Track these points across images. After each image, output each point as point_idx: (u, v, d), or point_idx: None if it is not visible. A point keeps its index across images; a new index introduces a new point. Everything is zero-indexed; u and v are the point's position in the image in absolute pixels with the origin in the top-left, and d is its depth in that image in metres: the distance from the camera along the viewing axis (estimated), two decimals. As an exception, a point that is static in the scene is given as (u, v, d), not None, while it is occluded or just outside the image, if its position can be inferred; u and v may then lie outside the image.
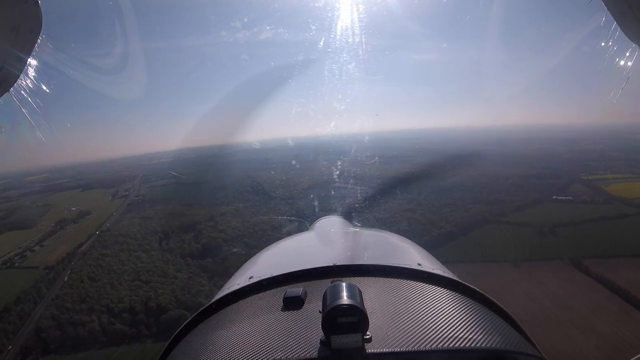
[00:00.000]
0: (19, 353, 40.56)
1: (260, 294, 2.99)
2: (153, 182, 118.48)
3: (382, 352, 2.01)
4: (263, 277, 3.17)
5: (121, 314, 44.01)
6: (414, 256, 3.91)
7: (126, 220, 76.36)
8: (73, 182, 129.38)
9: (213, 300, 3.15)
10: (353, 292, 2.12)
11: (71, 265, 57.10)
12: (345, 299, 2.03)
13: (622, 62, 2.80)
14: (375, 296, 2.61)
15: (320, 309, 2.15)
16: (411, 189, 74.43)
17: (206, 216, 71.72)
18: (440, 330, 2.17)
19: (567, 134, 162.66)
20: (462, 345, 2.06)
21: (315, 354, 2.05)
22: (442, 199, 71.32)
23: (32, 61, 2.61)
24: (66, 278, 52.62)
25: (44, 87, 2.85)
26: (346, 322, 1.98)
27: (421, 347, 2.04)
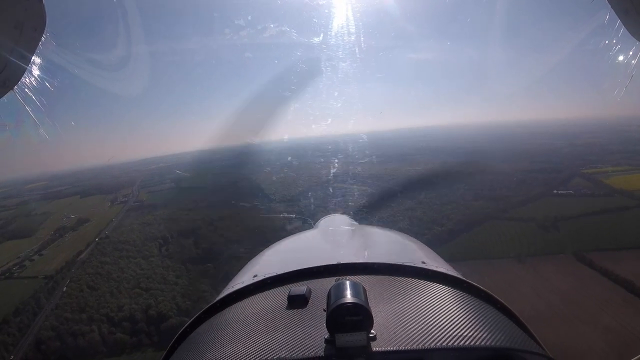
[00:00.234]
0: (19, 366, 40.14)
1: (265, 293, 3.01)
2: (152, 187, 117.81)
3: (386, 350, 2.02)
4: (267, 276, 3.20)
5: (121, 323, 43.45)
6: (418, 254, 3.92)
7: (125, 227, 75.64)
8: (72, 189, 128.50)
9: (217, 298, 3.19)
10: (357, 290, 2.12)
11: (70, 274, 56.50)
12: (349, 297, 2.04)
13: (625, 60, 2.84)
14: (380, 294, 2.62)
15: (325, 307, 2.16)
16: (412, 187, 74.13)
17: (206, 220, 71.10)
18: (445, 328, 2.16)
19: (566, 129, 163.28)
20: (466, 343, 2.05)
21: (320, 353, 2.06)
22: (443, 196, 71.01)
23: (36, 59, 2.63)
24: (65, 288, 51.98)
25: (48, 85, 2.87)
26: (351, 320, 1.98)
27: (426, 345, 2.03)
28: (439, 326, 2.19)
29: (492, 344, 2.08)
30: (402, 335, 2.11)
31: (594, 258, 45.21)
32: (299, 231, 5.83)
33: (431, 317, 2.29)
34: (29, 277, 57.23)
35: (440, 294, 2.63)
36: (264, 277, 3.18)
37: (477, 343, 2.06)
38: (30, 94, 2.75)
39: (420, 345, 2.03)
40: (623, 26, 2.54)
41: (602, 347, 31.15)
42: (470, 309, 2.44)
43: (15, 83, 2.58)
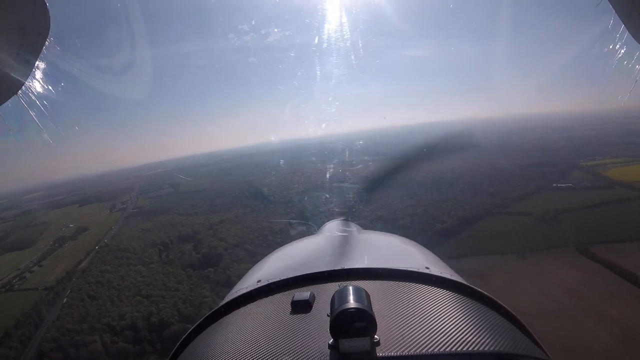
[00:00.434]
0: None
1: (268, 298, 2.98)
2: (151, 192, 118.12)
3: (390, 356, 2.00)
4: (271, 281, 3.16)
5: (123, 332, 43.24)
6: (421, 259, 3.83)
7: (125, 234, 75.34)
8: (70, 198, 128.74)
9: (221, 303, 3.14)
10: (361, 295, 2.11)
11: (71, 284, 56.20)
12: (353, 302, 2.02)
13: (629, 64, 2.82)
14: (383, 299, 2.58)
15: (329, 312, 2.14)
16: (411, 185, 74.09)
17: (205, 224, 70.87)
18: (448, 333, 2.13)
19: (563, 122, 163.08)
20: (470, 348, 2.02)
21: (324, 358, 2.04)
22: (442, 193, 70.97)
23: (39, 63, 2.63)
24: (65, 300, 51.68)
25: (52, 90, 2.91)
26: (354, 325, 1.96)
27: (429, 350, 2.00)
28: (443, 331, 2.16)
29: (496, 349, 2.05)
30: (405, 341, 2.09)
31: (597, 251, 45.11)
32: (303, 236, 5.74)
33: (435, 322, 2.26)
34: (30, 288, 57.01)
35: (444, 299, 2.60)
36: (267, 283, 3.16)
37: (480, 349, 2.03)
38: (34, 98, 2.77)
39: (424, 351, 2.00)
40: (627, 31, 2.54)
41: (609, 342, 30.90)
42: (474, 315, 2.41)
43: (20, 87, 2.60)
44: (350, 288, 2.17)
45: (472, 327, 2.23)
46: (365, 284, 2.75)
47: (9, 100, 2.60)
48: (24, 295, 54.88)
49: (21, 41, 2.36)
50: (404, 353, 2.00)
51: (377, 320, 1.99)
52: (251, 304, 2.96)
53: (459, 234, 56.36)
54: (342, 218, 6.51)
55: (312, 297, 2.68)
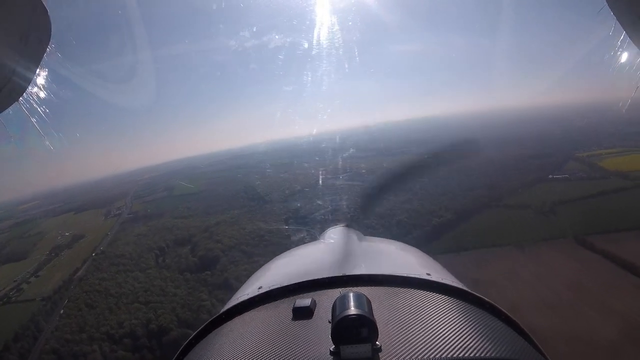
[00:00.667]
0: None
1: (270, 304, 3.00)
2: (146, 197, 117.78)
3: None
4: (272, 287, 3.18)
5: (122, 340, 42.82)
6: (422, 266, 3.82)
7: (121, 240, 74.93)
8: (66, 206, 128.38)
9: (222, 310, 3.15)
10: (362, 302, 2.12)
11: (68, 293, 55.75)
12: (354, 309, 2.03)
13: (630, 71, 2.83)
14: (385, 306, 2.59)
15: (330, 319, 2.15)
16: (406, 180, 73.91)
17: (201, 227, 70.68)
18: (450, 340, 2.14)
19: (557, 113, 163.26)
20: (471, 355, 2.03)
21: None
22: (438, 187, 70.78)
23: (40, 70, 2.64)
24: (62, 311, 51.21)
25: (53, 96, 2.92)
26: (356, 332, 1.97)
27: (430, 356, 2.01)
28: (444, 338, 2.15)
29: (497, 355, 2.05)
30: (406, 347, 2.09)
31: (595, 241, 45.17)
32: (304, 243, 5.86)
33: (436, 328, 2.25)
34: (27, 300, 56.45)
35: (445, 305, 2.60)
36: (269, 289, 3.18)
37: (481, 355, 2.03)
38: (35, 105, 2.78)
39: (425, 357, 2.00)
40: (628, 38, 2.54)
41: (614, 336, 30.70)
42: (475, 321, 2.40)
43: (21, 94, 2.61)
44: (352, 294, 2.19)
45: (473, 333, 2.22)
46: (367, 291, 2.73)
47: (10, 107, 2.60)
48: (22, 307, 54.32)
49: (22, 48, 2.37)
50: (405, 359, 2.00)
51: (378, 327, 2.00)
52: (252, 310, 2.99)
53: (456, 228, 56.24)
54: (343, 224, 6.48)
55: (314, 303, 2.68)
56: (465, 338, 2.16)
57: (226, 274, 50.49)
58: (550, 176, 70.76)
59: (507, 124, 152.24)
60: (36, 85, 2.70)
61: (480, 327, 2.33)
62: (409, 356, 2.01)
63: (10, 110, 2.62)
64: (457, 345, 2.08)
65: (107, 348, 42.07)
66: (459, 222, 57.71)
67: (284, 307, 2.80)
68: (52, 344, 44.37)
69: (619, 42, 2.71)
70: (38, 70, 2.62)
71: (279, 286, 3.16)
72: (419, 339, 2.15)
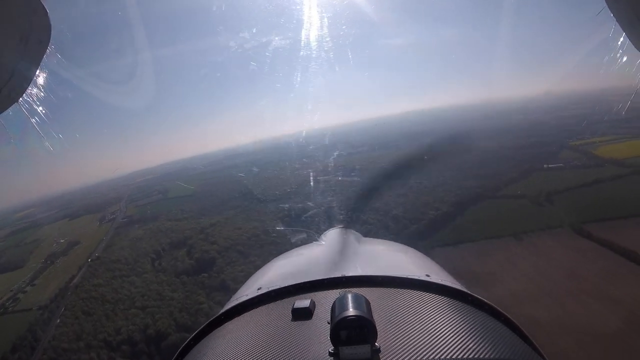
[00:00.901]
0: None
1: (269, 305, 2.99)
2: (140, 200, 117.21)
3: None
4: (271, 288, 3.17)
5: (120, 347, 42.43)
6: (422, 267, 3.82)
7: (116, 245, 74.49)
8: (61, 212, 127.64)
9: (221, 311, 3.14)
10: (361, 303, 2.13)
11: (64, 301, 55.26)
12: (353, 310, 2.04)
13: (630, 72, 2.88)
14: (384, 307, 2.58)
15: (329, 320, 2.18)
16: (401, 174, 73.94)
17: (196, 229, 70.42)
18: (448, 341, 2.14)
19: (549, 102, 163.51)
20: (470, 356, 2.03)
21: None
22: (433, 179, 70.75)
23: (40, 72, 2.67)
24: (58, 321, 50.66)
25: (53, 97, 2.95)
26: (355, 333, 1.98)
27: (429, 357, 2.02)
28: (443, 339, 2.14)
29: (496, 357, 2.04)
30: (405, 348, 2.08)
31: (592, 229, 45.23)
32: (303, 244, 5.75)
33: (435, 329, 2.24)
34: (24, 309, 55.93)
35: (444, 306, 2.59)
36: (268, 290, 3.16)
37: (481, 356, 2.02)
38: (34, 106, 2.80)
39: (424, 358, 1.99)
40: (628, 39, 2.53)
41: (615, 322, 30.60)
42: (474, 322, 2.39)
43: (21, 95, 2.61)
44: (350, 296, 2.19)
45: (472, 334, 2.21)
46: (366, 292, 2.72)
47: (10, 108, 2.59)
48: (19, 317, 53.75)
49: (22, 49, 2.37)
50: None
51: (377, 328, 1.99)
52: (251, 311, 2.98)
53: (453, 221, 56.29)
54: (342, 226, 6.48)
55: (313, 304, 2.68)
56: (464, 339, 2.15)
57: (223, 276, 50.35)
58: (545, 165, 70.90)
59: (501, 115, 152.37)
60: (36, 86, 2.72)
61: (480, 328, 2.33)
62: (408, 357, 2.01)
63: (10, 111, 2.61)
64: (456, 347, 2.07)
65: (105, 356, 41.70)
66: (456, 214, 57.77)
67: (283, 308, 2.80)
68: (49, 354, 43.98)
69: (618, 43, 2.72)
70: (38, 71, 2.63)
71: (278, 287, 3.16)
72: (418, 340, 2.15)
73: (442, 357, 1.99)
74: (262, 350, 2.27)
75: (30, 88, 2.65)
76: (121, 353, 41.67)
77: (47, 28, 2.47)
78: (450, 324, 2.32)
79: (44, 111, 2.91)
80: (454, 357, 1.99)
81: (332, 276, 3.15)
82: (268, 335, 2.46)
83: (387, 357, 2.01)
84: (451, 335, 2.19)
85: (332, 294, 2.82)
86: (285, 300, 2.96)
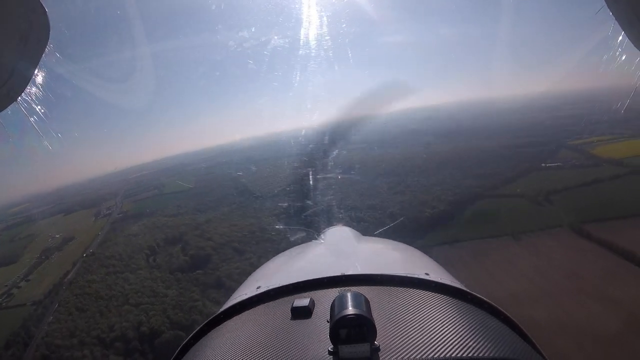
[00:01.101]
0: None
1: (268, 304, 2.99)
2: (136, 196, 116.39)
3: None
4: (271, 287, 3.16)
5: (113, 344, 42.06)
6: (421, 265, 3.82)
7: (111, 241, 74.02)
8: (55, 207, 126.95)
9: (220, 310, 3.13)
10: (360, 301, 2.13)
11: (58, 297, 54.89)
12: (352, 308, 2.04)
13: (629, 71, 2.84)
14: (383, 306, 2.58)
15: (328, 318, 2.18)
16: (398, 171, 73.99)
17: (192, 225, 70.15)
18: (448, 339, 2.14)
19: (546, 102, 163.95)
20: (469, 355, 2.03)
21: None
22: (430, 178, 70.64)
23: (39, 71, 2.68)
24: (51, 318, 50.34)
25: (51, 96, 2.97)
26: (354, 331, 1.98)
27: (429, 356, 2.02)
28: (442, 337, 2.13)
29: (496, 355, 2.03)
30: (405, 347, 2.08)
31: (591, 229, 45.16)
32: (302, 242, 5.81)
33: (434, 328, 2.23)
34: (18, 305, 55.60)
35: (443, 305, 2.58)
36: (267, 289, 3.16)
37: (480, 354, 2.01)
38: (33, 105, 2.80)
39: (423, 357, 1.99)
40: (627, 38, 2.51)
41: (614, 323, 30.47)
42: (474, 321, 2.38)
43: (19, 94, 2.62)
44: (350, 294, 2.18)
45: (471, 333, 2.20)
46: (365, 290, 2.70)
47: (9, 107, 2.57)
48: (12, 312, 53.47)
49: (21, 48, 2.37)
50: (403, 359, 1.99)
51: (376, 326, 1.99)
52: (251, 310, 2.98)
53: (450, 219, 56.28)
54: (341, 224, 6.53)
55: (312, 303, 2.67)
56: (463, 338, 2.13)
57: (218, 273, 50.19)
58: (543, 164, 70.91)
59: (499, 113, 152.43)
60: (35, 85, 2.71)
61: (479, 327, 2.32)
62: (407, 356, 2.00)
63: (9, 110, 2.60)
64: (455, 345, 2.06)
65: (98, 353, 41.38)
66: (453, 212, 57.73)
67: (283, 307, 2.80)
68: (42, 351, 43.67)
69: (617, 42, 2.67)
70: (36, 70, 2.62)
71: (277, 286, 3.15)
72: (418, 339, 2.14)
73: (442, 355, 1.99)
74: (261, 349, 2.28)
75: (29, 87, 2.66)
76: (114, 350, 41.35)
77: (46, 27, 2.47)
78: (450, 322, 2.32)
79: (42, 110, 2.90)
80: (453, 355, 1.99)
81: (332, 275, 3.14)
82: (267, 334, 2.46)
83: (387, 356, 2.01)
84: (451, 333, 2.18)
85: (332, 293, 2.83)
86: (285, 299, 2.96)
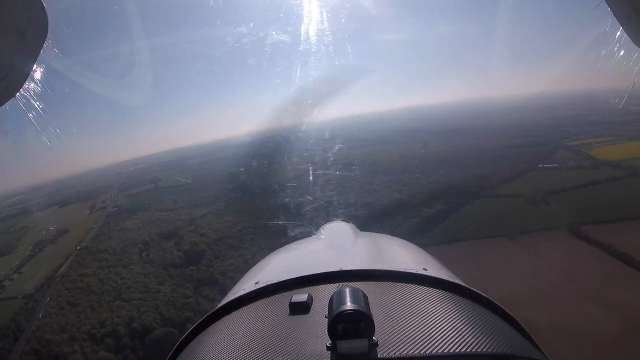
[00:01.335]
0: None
1: (266, 300, 3.00)
2: (131, 189, 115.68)
3: (388, 357, 2.02)
4: (269, 283, 3.18)
5: (104, 340, 41.83)
6: (419, 261, 3.77)
7: (105, 234, 73.56)
8: (51, 200, 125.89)
9: (218, 306, 3.17)
10: (359, 297, 2.14)
11: (50, 291, 54.48)
12: (350, 304, 2.04)
13: (627, 66, 2.88)
14: (382, 301, 2.59)
15: (327, 314, 2.20)
16: (395, 170, 73.92)
17: (186, 220, 69.79)
18: (446, 334, 2.15)
19: (544, 101, 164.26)
20: (468, 349, 2.03)
21: None
22: (427, 176, 70.49)
23: (37, 66, 2.71)
24: (41, 314, 49.88)
25: (50, 92, 3.07)
26: (352, 327, 1.98)
27: (427, 351, 2.03)
28: (441, 332, 2.15)
29: (494, 350, 2.04)
30: (403, 342, 2.08)
31: (589, 231, 45.20)
32: (301, 238, 5.78)
33: (433, 323, 2.24)
34: (9, 297, 55.08)
35: (441, 300, 2.59)
36: (265, 284, 3.15)
37: (478, 350, 2.02)
38: (32, 101, 2.83)
39: (422, 352, 2.00)
40: (625, 33, 2.56)
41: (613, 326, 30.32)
42: (472, 316, 2.39)
43: (18, 90, 2.63)
44: (348, 290, 2.19)
45: (469, 328, 2.22)
46: (363, 286, 2.70)
47: (7, 103, 2.59)
48: (4, 305, 52.93)
49: (20, 44, 2.39)
50: (402, 354, 2.00)
51: (375, 322, 1.99)
52: (249, 305, 2.99)
53: (447, 219, 56.16)
54: (340, 220, 6.54)
55: (310, 298, 2.66)
56: (462, 333, 2.14)
57: (211, 269, 49.80)
58: (540, 165, 70.82)
59: (498, 112, 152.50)
60: (33, 81, 2.73)
61: (477, 322, 2.31)
62: (405, 351, 2.00)
63: (7, 105, 2.61)
64: (453, 340, 2.07)
65: (88, 349, 41.08)
66: (450, 212, 57.63)
67: (281, 302, 2.79)
68: (32, 345, 43.34)
69: (615, 37, 2.70)
70: (34, 66, 2.63)
71: (275, 281, 3.15)
72: (416, 334, 2.13)
73: (440, 350, 1.98)
74: (259, 345, 2.26)
75: (27, 83, 2.68)
76: (105, 346, 41.10)
77: (44, 23, 2.47)
78: (448, 317, 2.32)
79: (40, 106, 2.92)
80: (452, 350, 1.98)
81: (330, 270, 3.14)
82: (265, 330, 2.45)
83: (385, 351, 1.99)
84: (449, 328, 2.18)
85: (330, 288, 2.82)
86: (283, 294, 2.96)
